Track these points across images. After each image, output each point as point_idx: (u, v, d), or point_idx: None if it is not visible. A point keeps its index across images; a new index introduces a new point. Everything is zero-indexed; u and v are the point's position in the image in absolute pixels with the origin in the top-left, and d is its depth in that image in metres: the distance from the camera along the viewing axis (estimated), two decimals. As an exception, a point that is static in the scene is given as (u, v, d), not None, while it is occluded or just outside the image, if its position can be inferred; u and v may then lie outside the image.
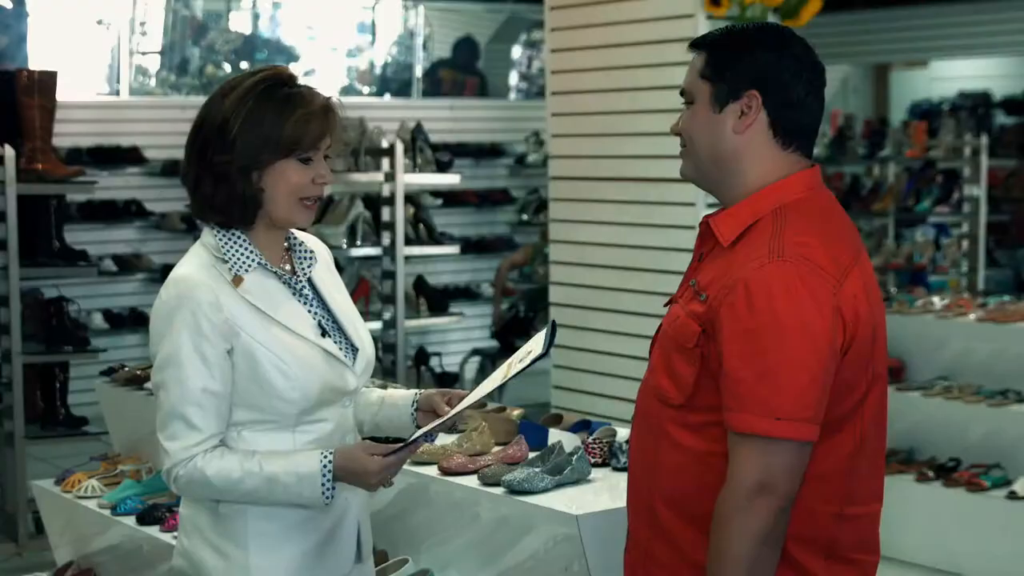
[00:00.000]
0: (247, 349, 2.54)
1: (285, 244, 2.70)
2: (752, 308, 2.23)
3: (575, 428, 3.98)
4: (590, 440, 3.68)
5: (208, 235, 2.63)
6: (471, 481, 3.52)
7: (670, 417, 2.37)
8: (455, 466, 3.57)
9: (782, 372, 2.20)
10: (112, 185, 9.30)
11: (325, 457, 2.54)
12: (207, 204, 2.60)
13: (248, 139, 2.54)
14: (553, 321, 2.67)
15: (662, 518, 2.39)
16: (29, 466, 6.49)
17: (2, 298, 6.37)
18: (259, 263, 2.60)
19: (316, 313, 2.66)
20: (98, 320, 9.09)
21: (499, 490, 3.43)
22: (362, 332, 2.74)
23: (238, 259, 2.58)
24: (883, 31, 12.93)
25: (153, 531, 4.29)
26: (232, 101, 2.55)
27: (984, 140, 10.06)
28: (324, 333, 2.65)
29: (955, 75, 13.79)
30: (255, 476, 2.52)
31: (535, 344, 2.62)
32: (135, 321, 9.33)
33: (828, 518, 2.32)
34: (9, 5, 10.17)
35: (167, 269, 10.17)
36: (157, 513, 4.35)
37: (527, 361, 2.58)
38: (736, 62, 2.38)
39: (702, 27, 5.91)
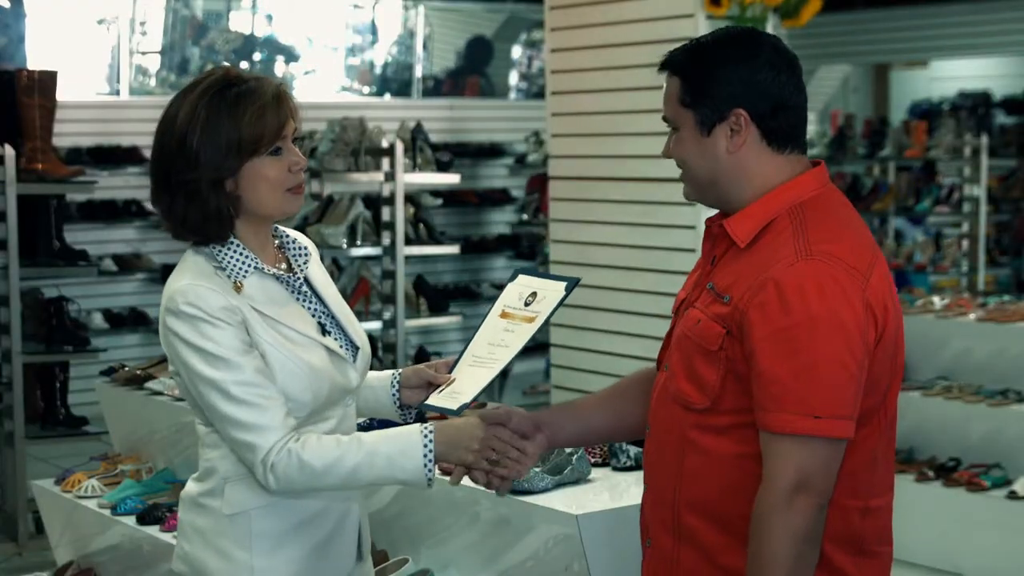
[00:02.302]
0: (260, 353, 2.51)
1: (276, 242, 2.68)
2: (786, 307, 2.22)
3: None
4: (590, 440, 3.66)
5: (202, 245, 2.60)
6: (471, 481, 3.52)
7: (693, 422, 2.35)
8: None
9: (819, 370, 2.20)
10: (112, 185, 9.30)
11: (425, 427, 2.53)
12: (181, 224, 2.55)
13: (209, 150, 2.49)
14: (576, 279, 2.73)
15: (689, 525, 2.37)
16: (29, 466, 6.49)
17: (2, 298, 6.37)
18: (256, 267, 2.57)
19: (316, 311, 2.65)
20: (98, 320, 9.09)
21: (499, 490, 3.42)
22: (358, 328, 2.72)
23: (235, 266, 2.55)
24: (883, 31, 12.94)
25: (153, 531, 4.29)
26: (184, 117, 2.51)
27: (984, 140, 10.06)
28: (325, 331, 2.63)
29: (955, 75, 13.80)
30: (355, 453, 2.48)
31: (541, 287, 2.70)
32: (135, 321, 9.33)
33: (856, 513, 2.32)
34: (7, 4, 10.17)
35: (167, 269, 10.21)
36: (157, 513, 4.35)
37: (552, 306, 2.66)
38: (714, 83, 2.35)
39: (702, 26, 5.91)
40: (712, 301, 2.35)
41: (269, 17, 11.70)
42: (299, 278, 2.65)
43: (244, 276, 2.55)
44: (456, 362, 2.74)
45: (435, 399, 2.70)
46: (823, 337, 2.20)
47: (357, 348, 2.68)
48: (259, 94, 2.52)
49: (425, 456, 2.50)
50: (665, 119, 2.44)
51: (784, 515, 2.20)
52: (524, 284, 2.75)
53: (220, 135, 2.49)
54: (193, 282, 2.51)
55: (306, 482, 2.49)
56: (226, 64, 2.64)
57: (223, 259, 2.55)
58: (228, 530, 2.58)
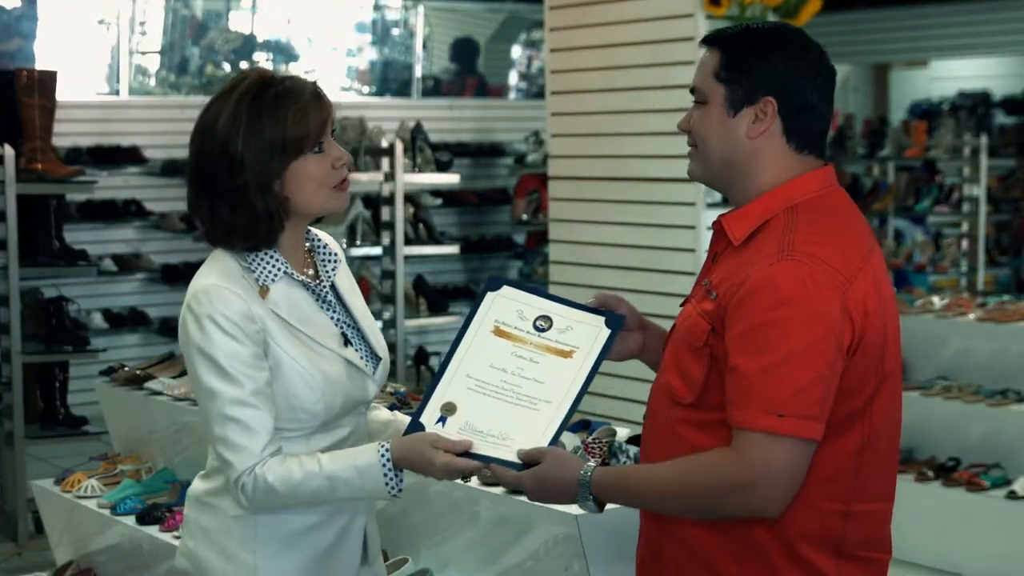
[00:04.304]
0: (275, 360, 2.50)
1: (307, 245, 2.67)
2: (759, 306, 2.23)
3: (575, 428, 3.98)
4: (590, 440, 3.67)
5: None
6: (471, 481, 3.52)
7: (681, 416, 2.37)
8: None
9: (785, 369, 2.20)
10: (112, 185, 9.30)
11: (382, 446, 2.48)
12: (230, 231, 2.53)
13: (255, 154, 2.48)
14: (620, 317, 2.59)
15: (672, 516, 2.39)
16: (29, 466, 6.49)
17: (2, 298, 6.37)
18: (285, 272, 2.56)
19: (339, 321, 2.63)
20: (98, 320, 9.09)
21: (499, 490, 3.43)
22: (380, 338, 2.70)
23: (264, 269, 2.54)
24: (883, 31, 12.95)
25: (153, 531, 4.30)
26: (225, 122, 2.49)
27: (984, 140, 10.07)
28: (347, 342, 2.62)
29: (955, 75, 13.80)
30: (316, 476, 2.47)
31: (557, 314, 2.56)
32: (135, 321, 9.33)
33: (835, 516, 2.32)
34: (18, 3, 10.19)
35: (167, 269, 10.20)
36: (157, 513, 4.36)
37: (599, 349, 2.52)
38: (753, 65, 2.35)
39: (702, 26, 5.91)
40: (703, 298, 2.37)
41: (288, 21, 11.70)
42: (325, 285, 2.64)
43: (272, 281, 2.54)
44: (438, 377, 2.55)
45: (450, 434, 2.47)
46: (793, 337, 2.20)
47: (379, 359, 2.67)
48: (297, 94, 2.52)
49: (385, 476, 2.47)
50: (693, 90, 2.43)
51: (721, 498, 2.24)
52: (518, 299, 2.59)
53: (264, 138, 2.48)
54: (218, 283, 2.50)
55: (273, 503, 2.51)
56: (259, 68, 2.62)
57: (252, 261, 2.54)
58: (233, 531, 2.57)
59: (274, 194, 2.51)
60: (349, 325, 2.65)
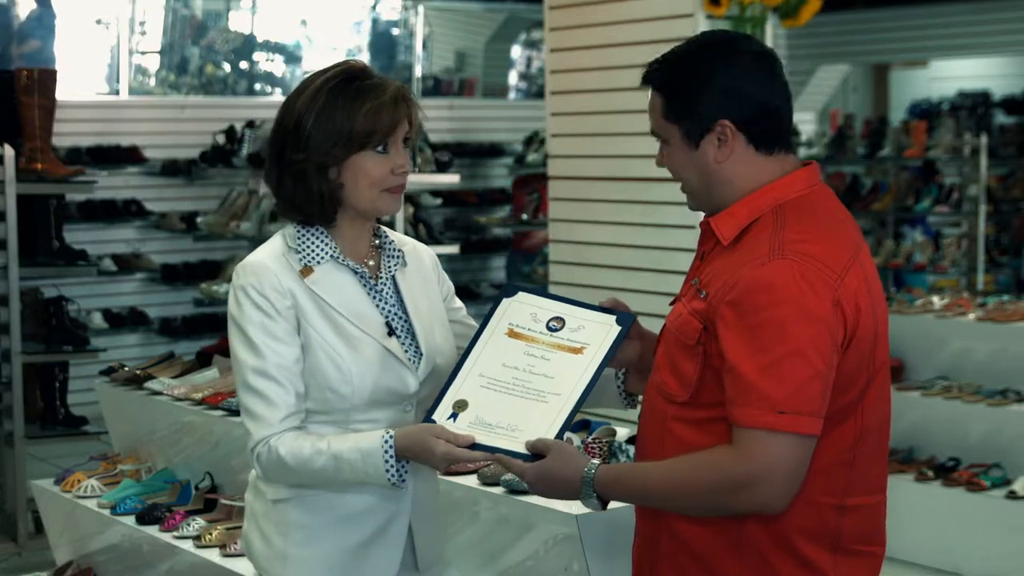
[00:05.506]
0: (305, 337, 2.57)
1: (376, 241, 2.71)
2: (754, 305, 2.25)
3: (575, 428, 3.98)
4: (590, 440, 3.67)
5: (290, 225, 2.67)
6: (471, 481, 3.52)
7: (674, 414, 2.39)
8: (455, 465, 3.56)
9: (784, 366, 2.22)
10: (112, 185, 9.30)
11: (387, 432, 2.52)
12: (289, 203, 2.63)
13: (321, 135, 2.56)
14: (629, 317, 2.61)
15: (666, 512, 2.41)
16: (29, 466, 6.48)
17: (2, 298, 6.37)
18: (331, 256, 2.62)
19: (388, 312, 2.66)
20: (98, 320, 9.09)
21: (499, 490, 3.43)
22: (439, 340, 2.70)
23: (311, 250, 2.61)
24: (883, 31, 12.94)
25: (152, 531, 4.30)
26: (304, 100, 2.58)
27: (984, 140, 10.06)
28: (391, 333, 2.64)
29: (955, 75, 13.80)
30: (323, 454, 2.52)
31: (568, 314, 2.60)
32: (135, 321, 9.32)
33: (830, 510, 2.34)
34: (34, 6, 10.21)
35: (167, 268, 10.18)
36: (156, 513, 4.36)
37: (609, 345, 2.55)
38: (695, 97, 2.38)
39: (702, 26, 5.90)
40: (694, 296, 2.39)
41: (304, 22, 11.69)
42: (383, 278, 2.68)
43: (317, 262, 2.61)
44: (451, 378, 2.57)
45: (460, 428, 2.50)
46: (789, 334, 2.22)
47: (422, 355, 2.67)
48: (380, 91, 2.60)
49: (387, 463, 2.50)
50: (653, 132, 2.48)
51: (724, 496, 2.26)
52: (532, 303, 2.63)
53: (333, 123, 2.56)
54: (259, 259, 2.61)
55: (284, 476, 2.58)
56: (358, 60, 2.70)
57: (301, 242, 2.63)
58: (272, 515, 2.66)
59: (329, 179, 2.59)
60: (400, 318, 2.68)
